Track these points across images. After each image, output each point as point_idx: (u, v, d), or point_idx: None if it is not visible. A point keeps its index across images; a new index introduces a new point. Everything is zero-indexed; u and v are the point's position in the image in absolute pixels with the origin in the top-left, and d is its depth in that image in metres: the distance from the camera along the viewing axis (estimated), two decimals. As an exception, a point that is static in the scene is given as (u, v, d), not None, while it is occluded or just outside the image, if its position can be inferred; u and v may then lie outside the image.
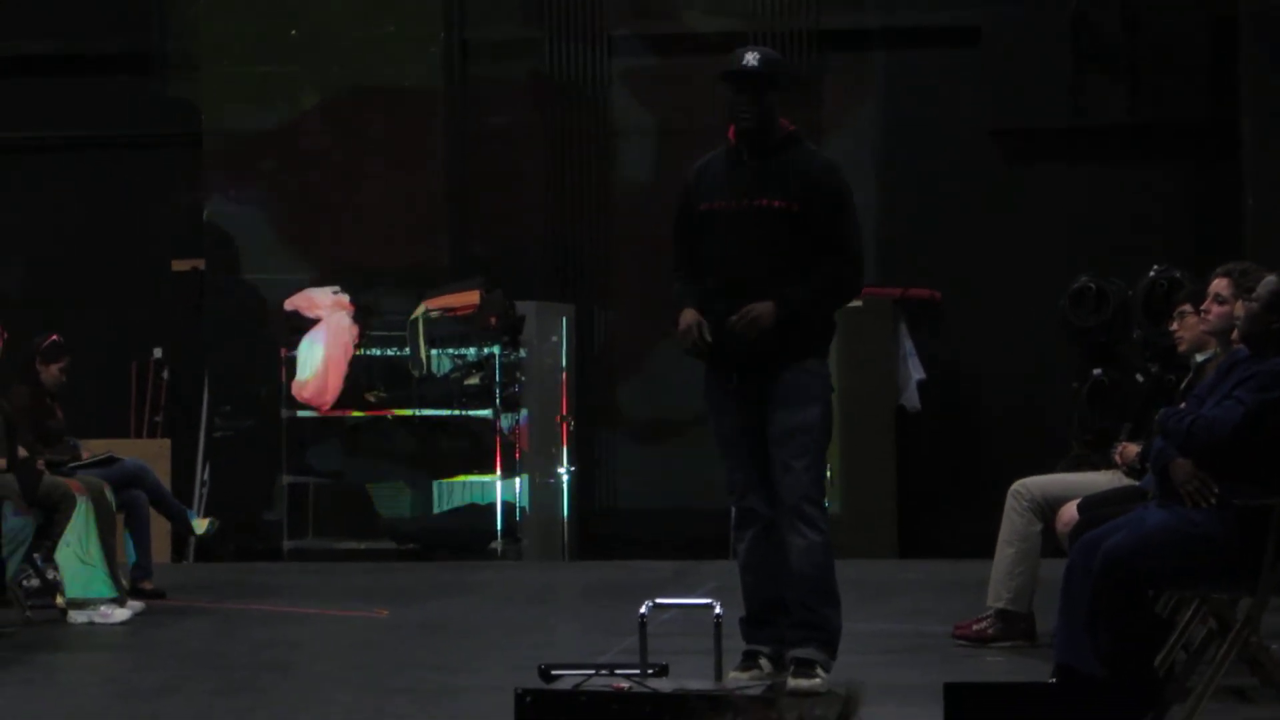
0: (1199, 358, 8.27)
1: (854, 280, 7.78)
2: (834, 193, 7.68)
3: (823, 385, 7.68)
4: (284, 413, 14.05)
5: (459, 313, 13.85)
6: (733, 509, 7.90)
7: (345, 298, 14.01)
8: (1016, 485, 8.99)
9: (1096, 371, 13.38)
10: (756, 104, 7.64)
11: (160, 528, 12.09)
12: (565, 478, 14.55)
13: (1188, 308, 8.38)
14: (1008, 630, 8.89)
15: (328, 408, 13.89)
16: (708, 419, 7.87)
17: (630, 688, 6.07)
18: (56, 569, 10.35)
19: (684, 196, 7.89)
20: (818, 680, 7.54)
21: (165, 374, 15.25)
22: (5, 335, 10.73)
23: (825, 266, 7.61)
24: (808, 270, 7.58)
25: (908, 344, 14.17)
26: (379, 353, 14.14)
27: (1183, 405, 7.12)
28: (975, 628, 8.96)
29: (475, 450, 14.12)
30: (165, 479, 12.95)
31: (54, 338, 11.29)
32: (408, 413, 14.08)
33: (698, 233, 7.79)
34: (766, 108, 7.66)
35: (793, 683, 7.56)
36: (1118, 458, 8.79)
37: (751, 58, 7.69)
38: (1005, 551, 8.92)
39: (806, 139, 7.99)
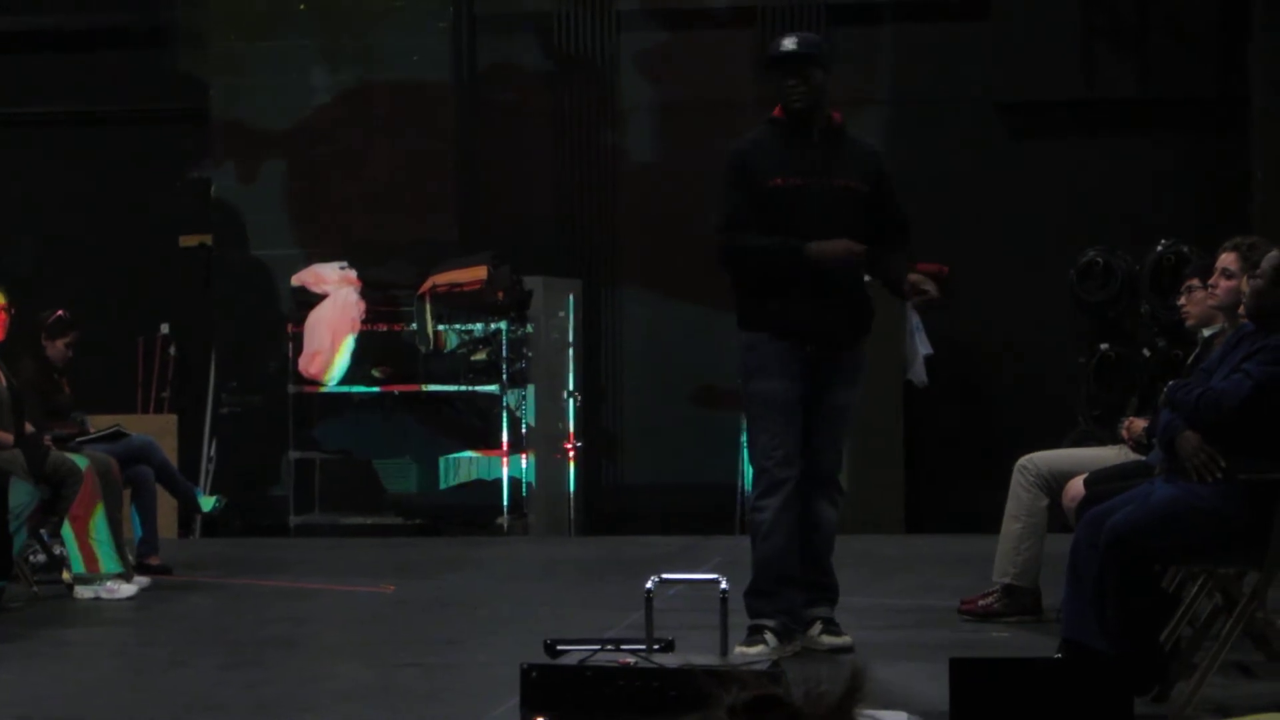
0: (1206, 332, 8.26)
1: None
2: (890, 178, 8.12)
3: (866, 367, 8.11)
4: (291, 388, 14.06)
5: (466, 288, 13.84)
6: (765, 474, 7.83)
7: (352, 273, 14.01)
8: (1023, 460, 8.97)
9: (1103, 346, 13.37)
10: (805, 84, 7.90)
11: (167, 503, 12.10)
12: (572, 453, 14.54)
13: (1195, 282, 8.38)
14: (1013, 605, 8.88)
15: (325, 379, 13.90)
16: (751, 383, 7.86)
17: (636, 663, 6.06)
18: (63, 544, 10.35)
19: (739, 167, 7.97)
20: (849, 637, 7.93)
21: (172, 350, 15.25)
22: (13, 311, 10.72)
23: (894, 242, 8.02)
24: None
25: (915, 319, 14.14)
26: (385, 328, 14.14)
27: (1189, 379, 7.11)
28: (981, 603, 8.96)
29: (482, 426, 14.13)
30: (172, 455, 12.95)
31: (60, 313, 11.28)
32: (414, 388, 14.08)
33: (763, 208, 7.83)
34: (815, 86, 7.93)
35: (828, 640, 7.90)
36: (1124, 433, 8.77)
37: (789, 41, 7.99)
38: (1011, 526, 8.91)
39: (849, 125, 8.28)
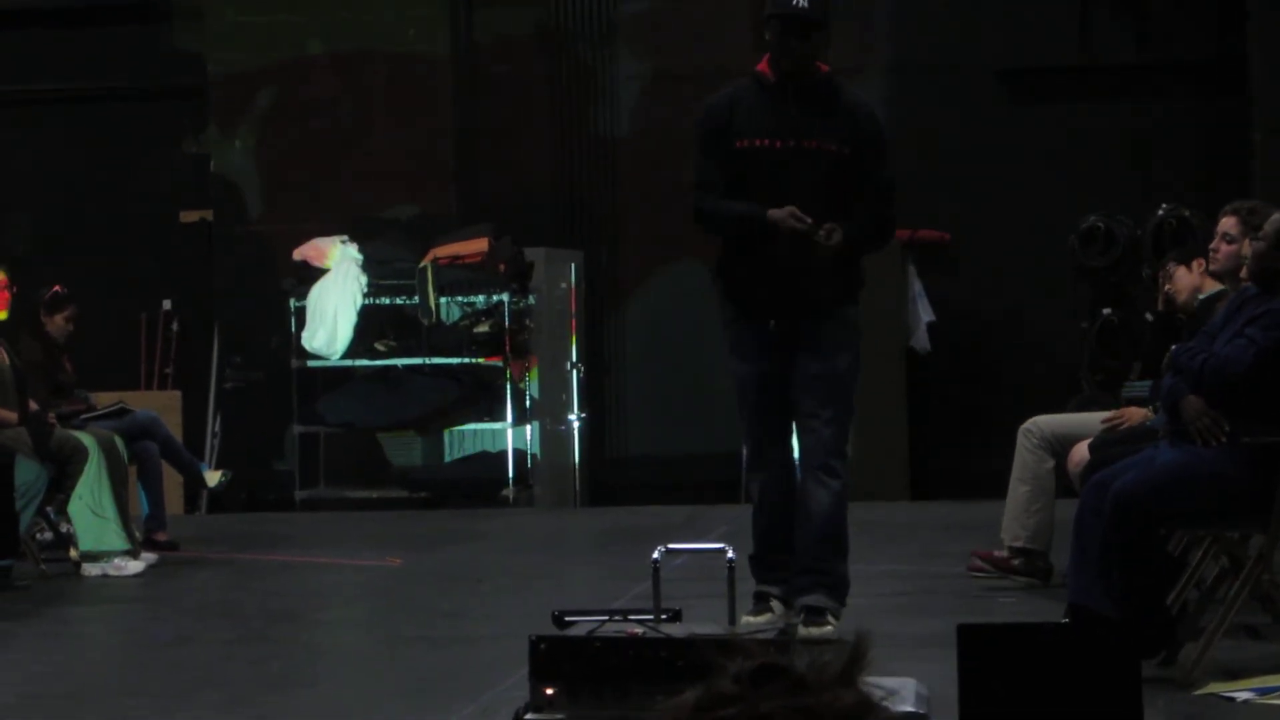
0: (1202, 296, 8.30)
1: (894, 222, 7.85)
2: (879, 137, 7.68)
3: (855, 333, 7.62)
4: (294, 362, 14.05)
5: (467, 260, 13.83)
6: (748, 450, 7.87)
7: (353, 247, 13.99)
8: (1026, 424, 8.98)
9: (1106, 311, 13.36)
10: (806, 45, 7.51)
11: (172, 479, 12.11)
12: (576, 424, 14.55)
13: (1172, 266, 8.47)
14: (1027, 565, 8.84)
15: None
16: (727, 362, 7.78)
17: (644, 633, 6.07)
18: (69, 522, 10.36)
19: (713, 125, 7.62)
20: (829, 628, 7.52)
21: (175, 326, 15.26)
22: (15, 289, 10.73)
23: (871, 206, 7.56)
24: (849, 211, 7.47)
25: (917, 286, 14.15)
26: (388, 301, 14.13)
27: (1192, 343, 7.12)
28: (997, 553, 8.92)
29: (486, 398, 14.12)
30: (176, 431, 12.95)
31: (56, 288, 11.28)
32: (418, 361, 14.07)
33: (733, 168, 7.60)
34: (814, 49, 7.55)
35: (804, 631, 7.55)
36: (1105, 422, 8.75)
37: (803, 0, 7.49)
38: (1019, 489, 8.90)
39: (840, 78, 7.89)
